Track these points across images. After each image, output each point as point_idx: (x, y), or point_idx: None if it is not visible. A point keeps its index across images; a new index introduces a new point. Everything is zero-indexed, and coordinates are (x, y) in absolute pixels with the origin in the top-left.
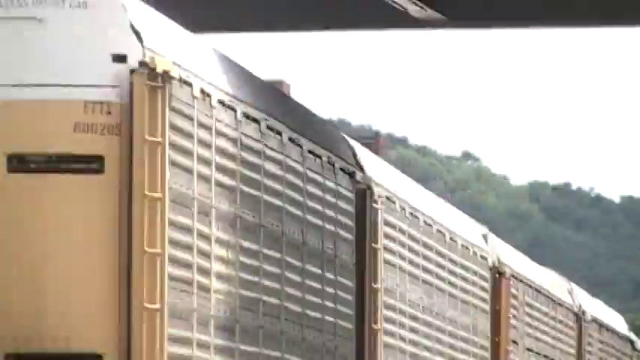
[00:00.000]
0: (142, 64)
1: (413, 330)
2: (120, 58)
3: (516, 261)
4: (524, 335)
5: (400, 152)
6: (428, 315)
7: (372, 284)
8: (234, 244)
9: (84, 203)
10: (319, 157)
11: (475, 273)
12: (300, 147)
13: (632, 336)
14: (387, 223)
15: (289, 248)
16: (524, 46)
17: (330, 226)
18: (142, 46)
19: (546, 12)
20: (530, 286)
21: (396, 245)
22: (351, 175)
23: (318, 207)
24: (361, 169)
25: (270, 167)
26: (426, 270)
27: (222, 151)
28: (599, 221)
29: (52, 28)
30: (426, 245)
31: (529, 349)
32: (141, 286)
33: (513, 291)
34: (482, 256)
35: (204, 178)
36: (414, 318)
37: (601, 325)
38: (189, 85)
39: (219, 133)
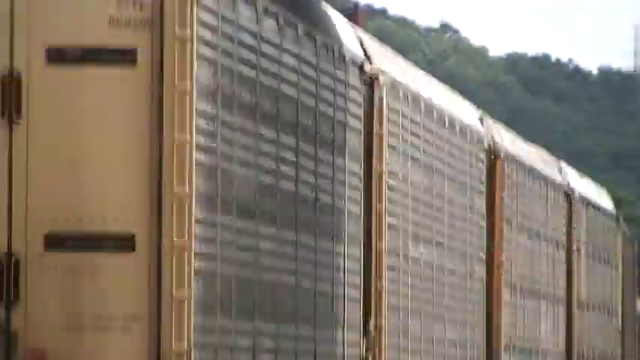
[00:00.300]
0: None
1: (414, 210)
2: None
3: (510, 142)
4: (518, 213)
5: (379, 24)
6: (428, 196)
7: (378, 168)
8: (254, 132)
9: (118, 94)
10: (332, 50)
11: (472, 155)
12: (315, 40)
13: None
14: (391, 110)
15: (303, 136)
16: None
17: (340, 116)
18: None
19: None
20: (523, 166)
21: (399, 130)
22: (361, 66)
23: (330, 98)
24: (369, 59)
25: (287, 60)
26: (426, 153)
27: (243, 45)
28: (578, 93)
29: None
30: (426, 129)
31: (521, 227)
32: (171, 172)
33: (507, 171)
34: (478, 139)
35: (228, 70)
36: (416, 199)
37: (589, 203)
38: None
39: (242, 28)
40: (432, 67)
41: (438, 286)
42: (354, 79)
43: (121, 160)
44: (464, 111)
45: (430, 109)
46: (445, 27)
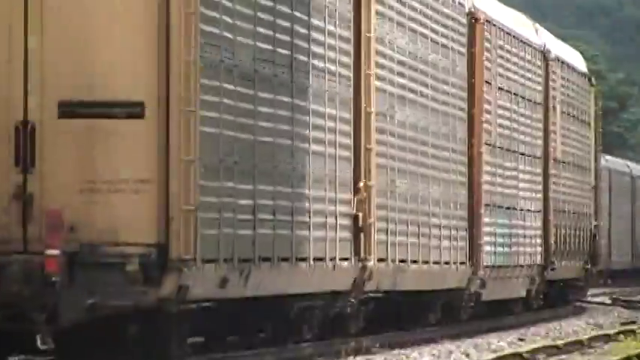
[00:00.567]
0: None
1: (400, 74)
2: None
3: (489, 6)
4: (497, 75)
5: None
6: (414, 60)
7: (366, 34)
8: (251, 2)
9: None
10: None
11: (454, 19)
12: None
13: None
14: None
15: (299, 4)
16: None
17: None
18: None
19: None
20: (502, 30)
21: None
22: None
23: None
24: None
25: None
26: (411, 19)
27: None
28: None
29: None
30: None
31: (501, 88)
32: (179, 42)
33: (487, 35)
34: (460, 3)
35: None
36: (402, 63)
37: (563, 63)
38: None
39: None
40: None
41: (423, 146)
42: None
43: (130, 30)
44: None
45: None
46: None
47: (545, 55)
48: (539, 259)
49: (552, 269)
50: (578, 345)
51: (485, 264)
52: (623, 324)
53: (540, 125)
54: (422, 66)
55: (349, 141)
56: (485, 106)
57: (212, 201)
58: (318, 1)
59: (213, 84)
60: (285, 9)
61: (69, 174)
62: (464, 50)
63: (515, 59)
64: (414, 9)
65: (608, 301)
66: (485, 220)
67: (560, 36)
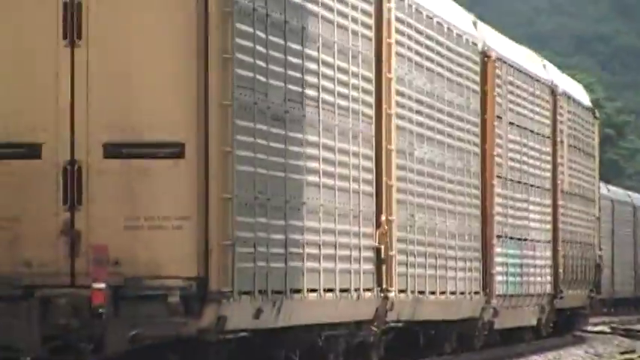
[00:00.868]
0: None
1: (418, 112)
2: None
3: (500, 44)
4: (507, 110)
5: None
6: (431, 98)
7: (387, 74)
8: (282, 47)
9: (167, 15)
10: None
11: (468, 58)
12: None
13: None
14: (398, 20)
15: (324, 48)
16: None
17: (354, 26)
18: None
19: None
20: (512, 66)
21: (405, 39)
22: None
23: (345, 10)
24: None
25: None
26: (428, 59)
27: None
28: None
29: None
30: (428, 37)
31: (511, 123)
32: (217, 87)
33: (498, 72)
34: (473, 43)
35: None
36: (420, 102)
37: (569, 97)
38: None
39: None
40: None
41: (440, 181)
42: None
43: (171, 76)
44: (459, 17)
45: (431, 18)
46: None
47: (553, 90)
48: (548, 288)
49: (561, 298)
50: None
51: (497, 293)
52: (622, 353)
53: (549, 158)
54: (438, 104)
55: (371, 177)
56: (497, 140)
57: (247, 236)
58: (342, 44)
59: (247, 125)
60: (313, 52)
61: (113, 211)
62: (477, 88)
63: (524, 94)
64: (431, 49)
65: (608, 330)
66: (498, 250)
67: (558, 64)
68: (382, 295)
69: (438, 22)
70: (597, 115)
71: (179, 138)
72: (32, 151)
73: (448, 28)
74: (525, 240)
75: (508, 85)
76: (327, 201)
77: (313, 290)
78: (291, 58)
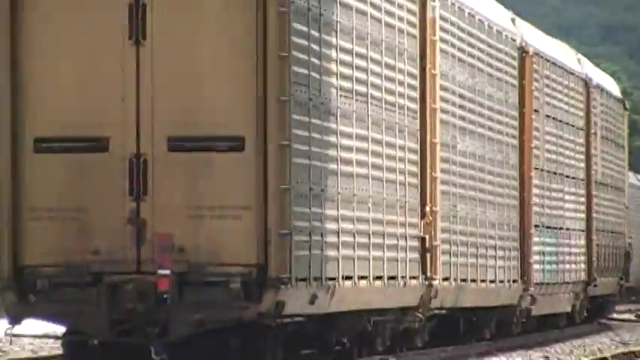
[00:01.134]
0: None
1: (460, 106)
2: None
3: (537, 39)
4: (544, 104)
5: None
6: (472, 93)
7: (432, 70)
8: (334, 45)
9: (228, 16)
10: None
11: (506, 54)
12: None
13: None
14: (441, 18)
15: (373, 46)
16: None
17: (401, 25)
18: None
19: None
20: (548, 61)
21: (448, 36)
22: None
23: (392, 9)
24: None
25: None
26: (470, 55)
27: None
28: None
29: None
30: (469, 34)
31: (548, 116)
32: (274, 84)
33: (535, 67)
34: (512, 39)
35: None
36: (462, 96)
37: (602, 90)
38: None
39: None
40: None
41: (481, 173)
42: None
43: (231, 73)
44: (498, 14)
45: (473, 16)
46: None
47: (586, 82)
48: (583, 276)
49: (595, 285)
50: None
51: (535, 281)
52: None
53: (583, 149)
54: (479, 98)
55: (417, 169)
56: (534, 133)
57: (303, 225)
58: (389, 42)
59: (303, 119)
60: (362, 50)
61: (177, 201)
62: (515, 82)
63: (560, 88)
64: (472, 45)
65: (634, 318)
66: (535, 239)
67: (585, 53)
68: (427, 282)
69: (479, 20)
70: (627, 106)
71: (239, 132)
72: (100, 144)
73: (488, 25)
74: (561, 229)
75: (545, 79)
76: (376, 192)
77: (363, 277)
78: (342, 56)
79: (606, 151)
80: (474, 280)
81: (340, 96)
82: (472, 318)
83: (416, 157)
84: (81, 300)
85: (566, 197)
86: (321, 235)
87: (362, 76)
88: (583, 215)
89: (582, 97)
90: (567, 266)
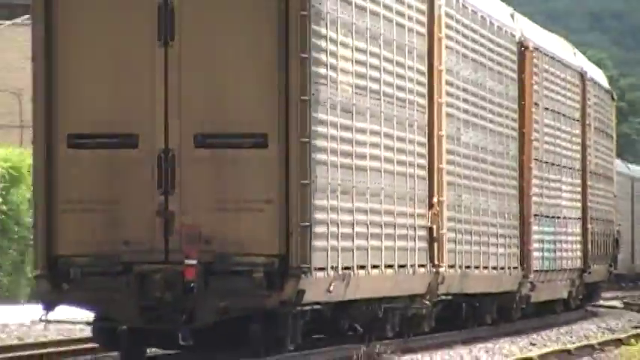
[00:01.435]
0: None
1: (464, 100)
2: None
3: (536, 34)
4: (543, 97)
5: None
6: (474, 87)
7: (438, 67)
8: (350, 46)
9: (250, 17)
10: None
11: (507, 49)
12: None
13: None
14: (447, 16)
15: (385, 45)
16: None
17: (410, 24)
18: None
19: None
20: (547, 55)
21: (453, 33)
22: None
23: (402, 9)
24: None
25: None
26: (473, 50)
27: None
28: None
29: None
30: (472, 30)
31: (546, 108)
32: (296, 83)
33: (535, 61)
34: (511, 34)
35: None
36: (465, 90)
37: (595, 82)
38: None
39: None
40: None
41: (483, 164)
42: None
43: (254, 73)
44: (499, 10)
45: (475, 12)
46: None
47: (582, 75)
48: (579, 263)
49: (589, 272)
50: (589, 349)
51: (534, 269)
52: (634, 327)
53: (579, 140)
54: (482, 92)
55: (425, 162)
56: (534, 125)
57: (322, 217)
58: (400, 41)
59: (322, 117)
60: (376, 49)
61: (204, 195)
62: (515, 76)
63: (557, 81)
64: (475, 41)
65: (620, 305)
66: (534, 228)
67: (573, 41)
68: (434, 270)
69: (480, 16)
70: (615, 97)
71: (262, 129)
72: (130, 140)
73: (490, 22)
74: (558, 218)
75: (543, 72)
76: (388, 185)
77: (376, 266)
78: (357, 55)
79: (598, 141)
80: (477, 267)
81: (355, 94)
82: (475, 304)
83: (424, 150)
84: (112, 288)
85: (563, 187)
86: (338, 227)
87: (375, 74)
88: (579, 204)
89: (578, 89)
90: (564, 254)
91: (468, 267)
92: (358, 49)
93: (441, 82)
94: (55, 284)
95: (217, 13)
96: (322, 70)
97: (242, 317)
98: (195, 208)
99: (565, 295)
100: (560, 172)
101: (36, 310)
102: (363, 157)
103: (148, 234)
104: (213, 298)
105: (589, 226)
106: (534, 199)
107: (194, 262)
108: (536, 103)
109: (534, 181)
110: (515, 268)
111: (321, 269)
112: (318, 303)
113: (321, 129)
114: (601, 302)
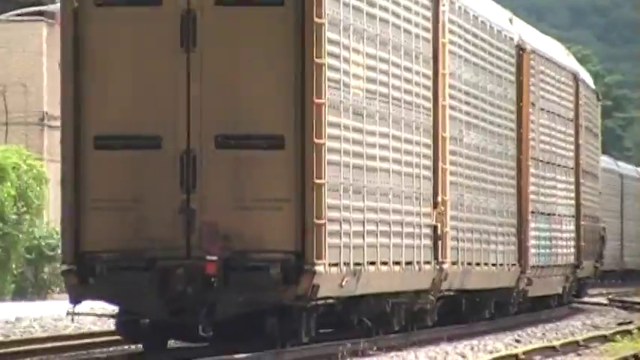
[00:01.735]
0: None
1: (466, 103)
2: None
3: (532, 37)
4: (539, 98)
5: None
6: (475, 90)
7: (442, 71)
8: (361, 52)
9: (268, 25)
10: None
11: (505, 52)
12: None
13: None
14: (450, 22)
15: (394, 50)
16: None
17: (416, 29)
18: None
19: None
20: (543, 57)
21: (455, 38)
22: None
23: (408, 15)
24: None
25: None
26: (474, 54)
27: None
28: None
29: None
30: (473, 35)
31: (542, 109)
32: (311, 88)
33: (532, 63)
34: (510, 38)
35: (354, 8)
36: (467, 93)
37: (585, 83)
38: None
39: None
40: None
41: (483, 164)
42: None
43: (272, 78)
44: (498, 15)
45: (476, 17)
46: None
47: (575, 76)
48: (572, 259)
49: (581, 268)
50: (574, 345)
51: (531, 264)
52: (619, 324)
53: (572, 139)
54: (482, 94)
55: (430, 162)
56: (531, 125)
57: (335, 216)
58: (407, 46)
59: (335, 120)
60: (385, 54)
61: (223, 194)
62: (513, 78)
63: (553, 82)
64: (475, 45)
65: (605, 302)
66: (531, 225)
67: (556, 37)
68: (438, 267)
69: (481, 21)
70: (600, 97)
71: (279, 131)
72: (154, 142)
73: (490, 26)
74: (553, 215)
75: (540, 74)
76: (395, 185)
77: (384, 263)
78: (368, 61)
79: (588, 140)
80: (478, 264)
81: (366, 97)
82: (475, 299)
83: (429, 152)
84: (136, 283)
85: (558, 185)
86: (350, 225)
87: (384, 78)
88: (572, 202)
89: (572, 90)
90: (559, 250)
91: (469, 264)
92: (369, 55)
93: (445, 85)
94: (82, 279)
95: (236, 21)
96: (336, 75)
97: (259, 311)
98: (215, 206)
99: (559, 290)
100: (555, 171)
101: (21, 307)
102: (372, 158)
103: (171, 231)
104: (232, 292)
105: (582, 223)
106: (531, 197)
107: (214, 257)
108: (532, 104)
109: (531, 179)
110: (513, 264)
111: (335, 265)
112: (331, 297)
113: (334, 131)
114: (586, 299)
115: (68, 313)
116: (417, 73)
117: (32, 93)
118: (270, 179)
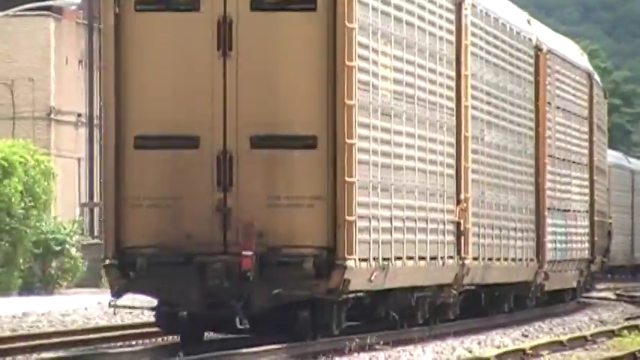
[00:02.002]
0: None
1: (487, 102)
2: None
3: (549, 38)
4: (555, 97)
5: None
6: (496, 89)
7: (464, 72)
8: (389, 54)
9: (302, 30)
10: None
11: (524, 52)
12: None
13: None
14: (472, 24)
15: (419, 52)
16: None
17: (440, 32)
18: None
19: None
20: (559, 57)
21: (477, 40)
22: None
23: (433, 19)
24: None
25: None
26: (495, 55)
27: None
28: None
29: None
30: (494, 36)
31: (558, 107)
32: (342, 89)
33: (549, 63)
34: (528, 39)
35: (382, 13)
36: (488, 93)
37: (597, 82)
38: None
39: None
40: None
41: (503, 162)
42: (447, 2)
43: (306, 80)
44: (516, 17)
45: (497, 20)
46: None
47: (589, 75)
48: (586, 254)
49: (595, 263)
50: (581, 340)
51: (548, 259)
52: (627, 319)
53: (586, 137)
54: (502, 94)
55: (453, 161)
56: (548, 124)
57: (365, 213)
58: (431, 49)
59: (365, 121)
60: (411, 57)
61: (258, 192)
62: (531, 78)
63: (568, 81)
64: (496, 47)
65: (612, 297)
66: (548, 221)
67: (564, 32)
68: (461, 262)
69: (501, 23)
70: (607, 95)
71: (312, 132)
72: (192, 142)
73: (509, 28)
74: (569, 211)
75: (556, 74)
76: (421, 182)
77: (410, 258)
78: (395, 63)
79: (599, 138)
80: (498, 259)
81: (393, 98)
82: (495, 293)
83: (452, 150)
84: (174, 277)
85: (573, 182)
86: (378, 221)
87: (410, 79)
88: (587, 198)
89: (586, 89)
90: (574, 245)
91: (490, 259)
92: (396, 57)
93: (467, 86)
94: (123, 273)
95: (271, 26)
96: (365, 77)
97: (292, 304)
98: (250, 204)
99: (574, 284)
100: (570, 168)
101: (28, 302)
102: (399, 156)
103: (208, 228)
104: (267, 286)
105: (596, 218)
106: (548, 193)
107: (250, 253)
108: (549, 103)
109: (548, 176)
110: (531, 259)
111: (364, 260)
112: (360, 291)
113: (364, 131)
114: (594, 294)
115: (110, 306)
116: (441, 74)
117: (39, 87)
118: (303, 178)
